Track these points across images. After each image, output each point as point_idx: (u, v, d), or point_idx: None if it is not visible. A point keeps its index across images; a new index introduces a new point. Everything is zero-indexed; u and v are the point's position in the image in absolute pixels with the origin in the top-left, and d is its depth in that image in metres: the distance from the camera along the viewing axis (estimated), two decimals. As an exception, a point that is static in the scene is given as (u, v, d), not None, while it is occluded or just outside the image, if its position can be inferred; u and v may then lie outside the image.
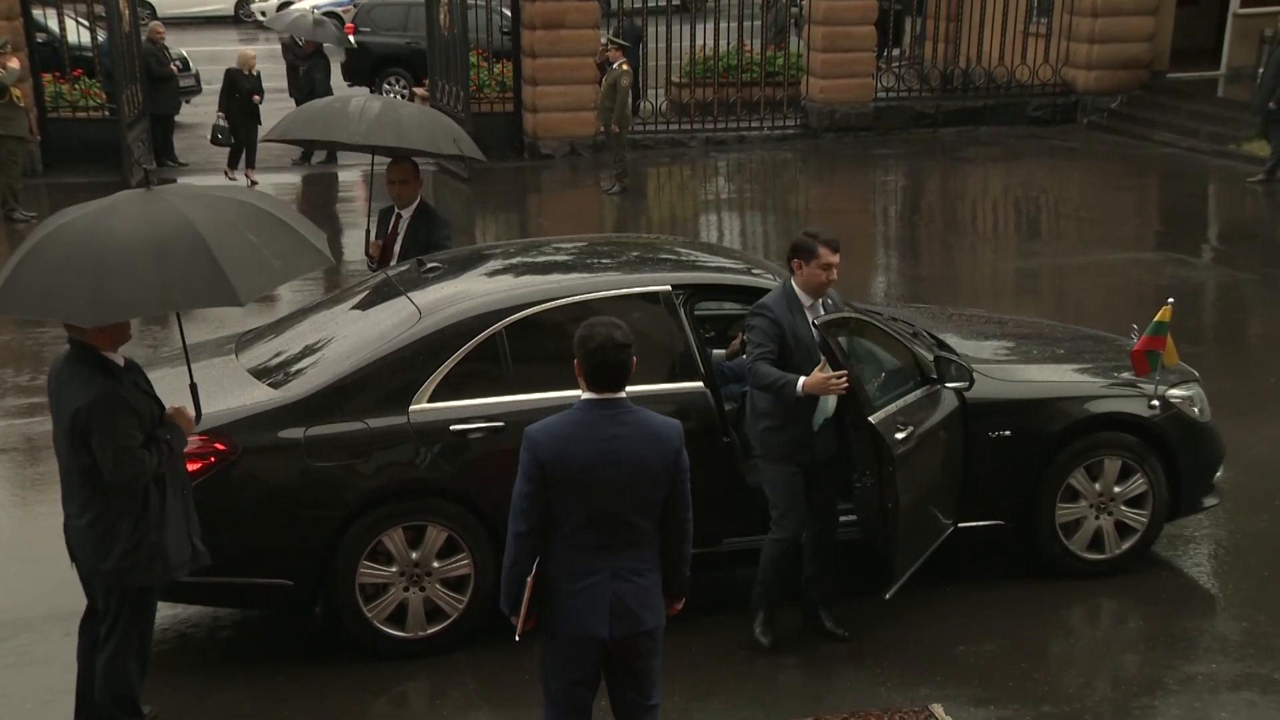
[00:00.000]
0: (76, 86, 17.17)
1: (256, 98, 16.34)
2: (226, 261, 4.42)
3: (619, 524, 3.95)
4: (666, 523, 4.04)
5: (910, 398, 5.67)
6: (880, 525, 5.54)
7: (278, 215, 4.86)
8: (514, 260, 6.51)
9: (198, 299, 4.68)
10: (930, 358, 5.89)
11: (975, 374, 6.03)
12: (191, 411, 4.80)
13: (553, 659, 4.05)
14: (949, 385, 5.82)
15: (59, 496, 7.24)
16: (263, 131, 15.87)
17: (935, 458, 5.75)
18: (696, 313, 5.99)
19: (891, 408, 5.48)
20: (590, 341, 3.93)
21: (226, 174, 16.43)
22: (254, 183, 16.17)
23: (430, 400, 5.51)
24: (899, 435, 5.42)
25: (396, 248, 7.16)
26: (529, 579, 3.95)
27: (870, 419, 5.34)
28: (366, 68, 21.31)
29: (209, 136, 16.58)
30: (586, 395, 3.97)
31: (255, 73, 16.49)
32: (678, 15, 19.38)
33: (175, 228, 4.49)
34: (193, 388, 4.87)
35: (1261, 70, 15.43)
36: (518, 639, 4.05)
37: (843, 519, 5.78)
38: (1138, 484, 6.17)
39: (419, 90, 18.93)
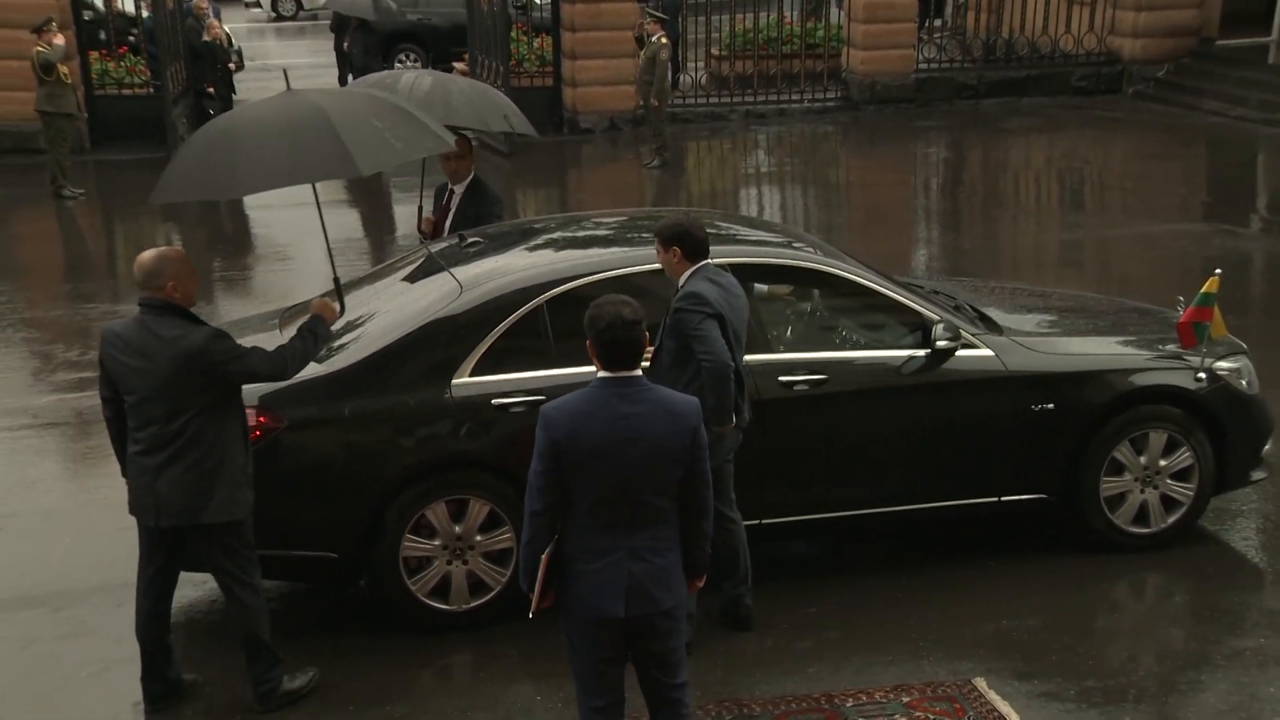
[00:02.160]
0: (122, 63, 17.34)
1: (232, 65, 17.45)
2: (350, 140, 5.11)
3: (636, 503, 3.92)
4: (685, 501, 4.00)
5: (849, 354, 5.87)
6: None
7: (404, 107, 5.62)
8: (554, 235, 6.51)
9: (323, 172, 5.38)
10: (936, 321, 5.88)
11: (1021, 346, 6.01)
12: (335, 305, 5.24)
13: (575, 638, 4.04)
14: (939, 345, 5.82)
15: (110, 470, 7.38)
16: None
17: (877, 421, 5.80)
18: None
19: (799, 355, 5.75)
20: (599, 320, 3.92)
21: None
22: None
23: (472, 374, 5.53)
24: (785, 378, 5.61)
25: (448, 223, 7.19)
26: (544, 557, 3.94)
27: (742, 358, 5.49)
28: (377, 45, 21.17)
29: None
30: (601, 374, 3.96)
31: (224, 40, 17.11)
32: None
33: (306, 114, 5.24)
34: (335, 280, 5.54)
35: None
36: (530, 616, 4.06)
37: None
38: (1184, 457, 6.11)
39: (459, 65, 18.93)
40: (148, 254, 4.84)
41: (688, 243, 5.22)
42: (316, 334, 5.08)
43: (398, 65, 20.31)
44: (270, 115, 5.28)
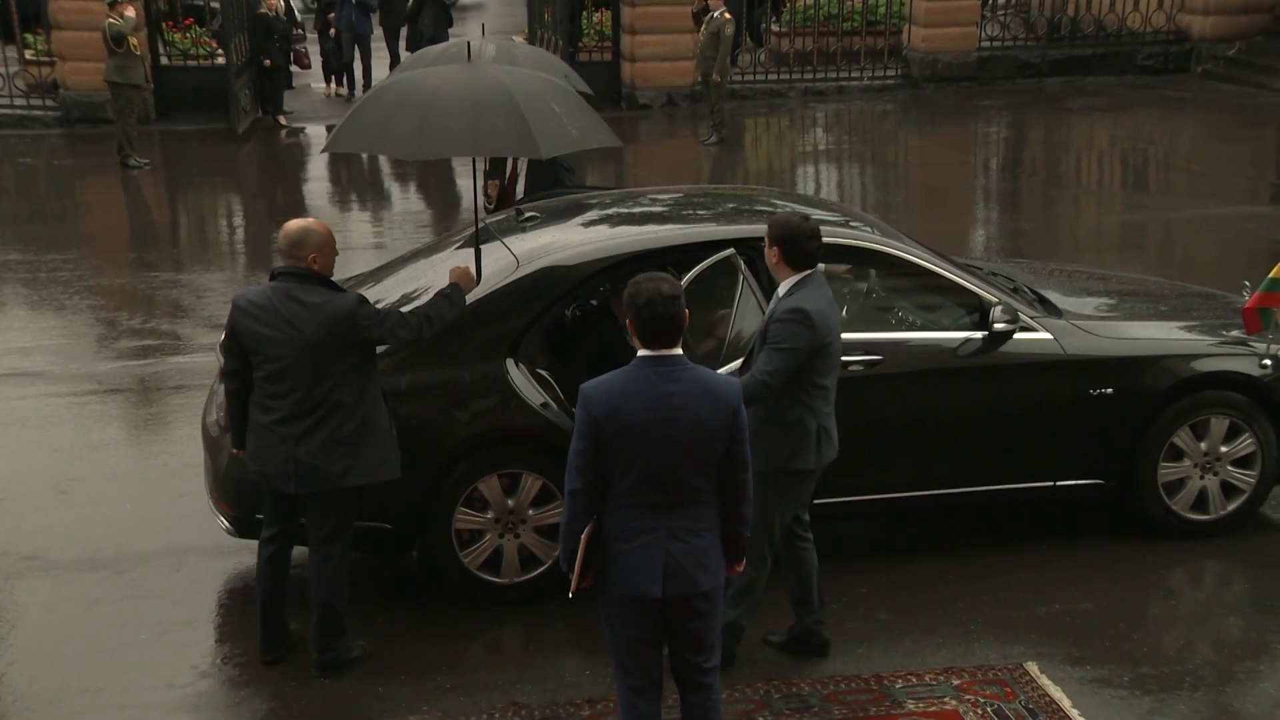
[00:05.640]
0: (188, 35, 17.56)
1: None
2: (534, 121, 5.29)
3: (674, 483, 3.90)
4: (724, 483, 3.97)
5: (905, 335, 5.82)
6: None
7: (577, 95, 5.73)
8: (610, 210, 6.52)
9: (505, 148, 5.69)
10: (994, 303, 5.83)
11: (1081, 330, 5.95)
12: (473, 272, 5.39)
13: (612, 617, 4.04)
14: (997, 327, 5.76)
15: (171, 437, 7.53)
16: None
17: (932, 403, 5.73)
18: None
19: (855, 335, 5.60)
20: (638, 297, 3.87)
21: (281, 120, 17.16)
22: (285, 127, 16.86)
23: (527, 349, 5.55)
24: (840, 358, 5.48)
25: (519, 189, 7.19)
26: (584, 536, 3.93)
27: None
28: (446, 16, 20.86)
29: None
30: (642, 352, 3.92)
31: (281, 13, 17.29)
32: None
33: (491, 89, 5.42)
34: (476, 250, 5.60)
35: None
36: (570, 596, 4.06)
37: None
38: (1246, 444, 6.02)
39: (517, 39, 18.93)
40: (294, 225, 4.95)
41: (789, 247, 4.81)
42: (451, 299, 5.15)
43: None
44: (456, 86, 5.44)
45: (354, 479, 4.90)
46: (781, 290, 4.87)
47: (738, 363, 5.06)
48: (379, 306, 5.14)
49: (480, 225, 6.44)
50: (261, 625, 5.18)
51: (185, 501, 6.42)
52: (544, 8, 18.02)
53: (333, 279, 4.97)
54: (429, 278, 6.06)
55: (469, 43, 7.14)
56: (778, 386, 4.71)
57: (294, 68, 18.50)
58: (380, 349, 5.21)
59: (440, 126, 5.30)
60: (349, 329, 4.81)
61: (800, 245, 4.80)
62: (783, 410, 4.79)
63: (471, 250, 5.72)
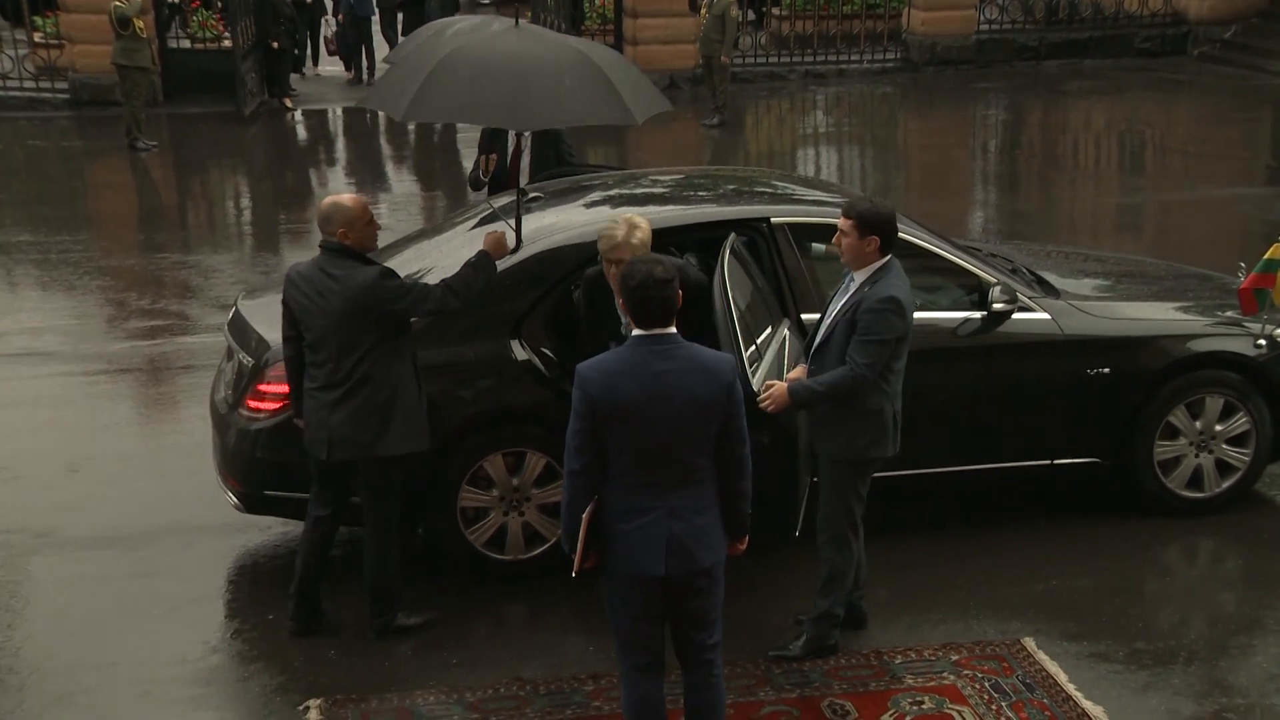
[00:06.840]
0: (194, 18, 17.59)
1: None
2: (533, 93, 5.28)
3: (672, 461, 3.93)
4: (722, 459, 4.00)
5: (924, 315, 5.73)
6: None
7: (606, 73, 5.47)
8: (612, 192, 6.57)
9: (495, 118, 5.79)
10: (993, 284, 5.87)
11: (1078, 310, 6.01)
12: (511, 240, 5.42)
13: (615, 597, 4.07)
14: (995, 307, 5.81)
15: (181, 416, 7.61)
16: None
17: (931, 383, 5.68)
18: None
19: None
20: (631, 279, 3.93)
21: (287, 103, 17.19)
22: (291, 109, 16.88)
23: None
24: None
25: (524, 164, 7.20)
26: (584, 517, 3.96)
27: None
28: (453, 4, 21.00)
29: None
30: (635, 332, 3.98)
31: None
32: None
33: (504, 57, 5.38)
34: (518, 218, 5.61)
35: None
36: (574, 576, 4.08)
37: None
38: (1241, 422, 6.10)
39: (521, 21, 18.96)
40: (325, 201, 5.09)
41: (889, 235, 4.76)
42: (477, 267, 5.17)
43: None
44: (474, 48, 5.45)
45: (383, 449, 4.98)
46: (860, 277, 4.83)
47: (768, 343, 5.08)
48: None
49: (491, 204, 6.52)
50: (296, 598, 5.25)
51: (195, 479, 6.49)
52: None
53: (366, 253, 5.05)
54: (433, 258, 6.11)
55: (495, 20, 7.15)
56: (875, 378, 4.77)
57: (303, 53, 18.55)
58: None
59: (439, 90, 5.28)
60: (373, 301, 4.90)
61: (893, 230, 4.82)
62: (863, 399, 4.82)
63: (488, 223, 5.75)
